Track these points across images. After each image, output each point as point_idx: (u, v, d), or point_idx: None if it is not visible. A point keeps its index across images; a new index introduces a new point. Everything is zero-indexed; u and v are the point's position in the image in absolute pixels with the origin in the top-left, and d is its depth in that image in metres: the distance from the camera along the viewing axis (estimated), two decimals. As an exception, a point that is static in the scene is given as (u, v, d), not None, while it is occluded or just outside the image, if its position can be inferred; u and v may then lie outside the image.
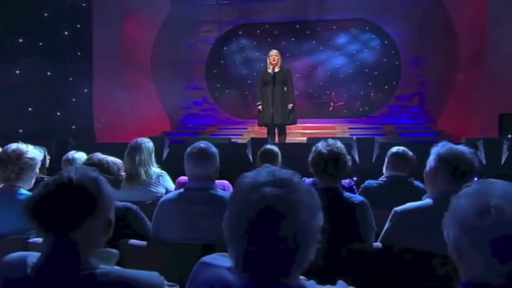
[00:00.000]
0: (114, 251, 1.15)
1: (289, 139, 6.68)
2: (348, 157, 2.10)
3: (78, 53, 6.89)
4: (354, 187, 3.07)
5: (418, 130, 8.03)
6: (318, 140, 5.29)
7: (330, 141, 2.11)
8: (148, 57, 8.59)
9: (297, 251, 0.87)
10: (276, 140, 5.73)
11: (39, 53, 6.48)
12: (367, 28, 9.09)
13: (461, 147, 1.89)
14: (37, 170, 2.36)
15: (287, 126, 6.00)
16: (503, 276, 0.87)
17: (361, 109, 9.21)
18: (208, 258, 1.01)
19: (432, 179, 1.91)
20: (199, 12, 9.22)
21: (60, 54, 6.71)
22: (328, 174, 2.02)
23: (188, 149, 2.03)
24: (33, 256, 1.05)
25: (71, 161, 3.14)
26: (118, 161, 2.13)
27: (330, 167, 2.01)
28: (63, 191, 1.03)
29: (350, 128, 8.26)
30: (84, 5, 6.94)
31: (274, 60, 5.63)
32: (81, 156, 3.16)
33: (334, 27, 9.32)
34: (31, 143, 3.49)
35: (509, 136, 4.69)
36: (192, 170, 2.00)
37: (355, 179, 4.01)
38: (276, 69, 5.63)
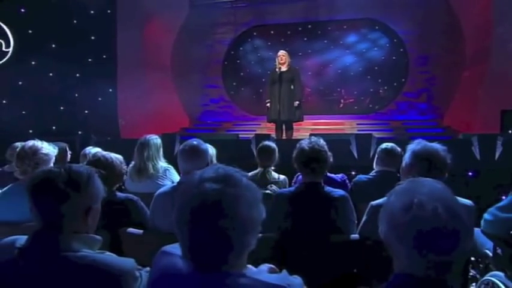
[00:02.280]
0: (98, 237, 1.21)
1: (300, 134, 6.67)
2: (330, 154, 2.11)
3: (104, 56, 7.10)
4: (347, 181, 3.06)
5: (424, 126, 7.85)
6: (321, 136, 5.26)
7: (313, 138, 2.13)
8: (168, 58, 8.73)
9: (235, 240, 0.89)
10: (284, 135, 5.75)
11: (69, 56, 6.73)
12: (376, 27, 8.92)
13: (436, 145, 1.88)
14: (51, 164, 2.47)
15: (298, 122, 5.98)
16: (424, 268, 0.89)
17: (370, 106, 9.08)
18: (168, 247, 1.06)
19: (407, 174, 1.91)
20: (215, 15, 9.29)
21: (88, 57, 6.96)
22: (310, 170, 2.04)
23: (180, 146, 2.10)
24: (21, 239, 1.13)
25: (87, 156, 3.27)
26: (120, 157, 2.21)
27: (311, 163, 2.03)
28: (61, 171, 1.15)
29: (358, 124, 8.16)
30: (109, 11, 7.14)
31: (281, 60, 5.63)
32: (96, 151, 3.28)
33: (344, 26, 9.20)
34: (59, 139, 3.67)
35: (510, 132, 4.53)
36: (183, 165, 2.07)
37: (353, 173, 3.99)
38: (283, 69, 5.63)
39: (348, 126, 8.11)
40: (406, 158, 1.92)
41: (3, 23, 6.78)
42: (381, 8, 8.44)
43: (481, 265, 2.13)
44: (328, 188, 2.07)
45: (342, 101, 9.34)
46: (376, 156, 2.82)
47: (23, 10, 6.82)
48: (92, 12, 6.98)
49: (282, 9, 9.21)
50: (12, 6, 6.71)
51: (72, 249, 1.09)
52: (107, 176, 2.06)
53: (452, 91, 7.69)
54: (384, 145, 2.81)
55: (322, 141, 2.11)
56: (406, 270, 0.93)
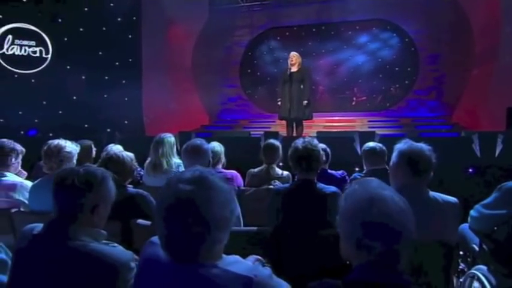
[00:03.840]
0: (103, 231, 1.29)
1: (313, 131, 6.65)
2: (322, 153, 2.11)
3: (130, 59, 7.31)
4: (347, 177, 3.05)
5: (434, 122, 7.64)
6: (327, 134, 5.22)
7: (307, 138, 2.14)
8: (190, 60, 8.86)
9: (206, 236, 0.92)
10: (294, 133, 5.75)
11: (99, 61, 6.99)
12: (388, 27, 8.73)
13: (421, 145, 1.86)
14: (74, 161, 2.59)
15: (307, 120, 5.96)
16: (373, 259, 0.92)
17: (382, 103, 8.91)
18: (155, 238, 1.11)
19: (394, 173, 1.90)
20: (233, 18, 9.34)
21: (115, 61, 7.18)
22: (303, 168, 2.06)
23: (184, 146, 2.16)
24: (39, 227, 1.24)
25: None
26: (131, 154, 2.30)
27: (304, 162, 2.04)
28: (80, 171, 1.26)
29: (369, 121, 8.04)
30: (134, 18, 7.34)
31: (292, 61, 5.62)
32: (117, 148, 3.39)
33: (356, 27, 9.04)
34: (88, 137, 3.82)
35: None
36: (186, 163, 2.13)
37: (357, 169, 3.97)
38: (294, 69, 5.61)
39: (358, 123, 8.00)
40: (393, 157, 1.91)
41: (43, 32, 7.11)
42: (391, 8, 8.25)
43: (468, 259, 2.11)
44: (320, 185, 2.07)
45: (354, 98, 9.21)
46: (363, 158, 2.80)
47: (60, 20, 7.12)
48: (119, 19, 7.19)
49: (296, 12, 9.16)
50: (51, 17, 7.03)
51: (77, 238, 1.18)
52: (118, 172, 2.18)
53: (461, 88, 7.44)
54: (365, 146, 2.79)
55: (315, 141, 2.12)
56: (360, 264, 0.95)
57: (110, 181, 1.32)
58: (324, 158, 2.16)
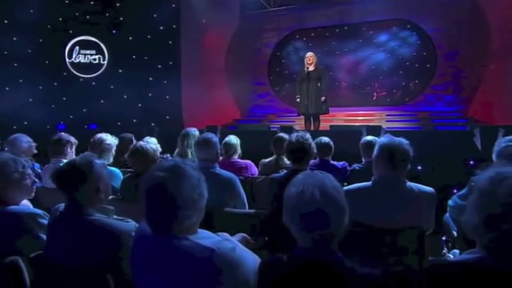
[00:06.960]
0: (111, 207, 1.43)
1: (331, 124, 6.57)
2: (313, 145, 2.16)
3: (170, 62, 7.62)
4: (348, 168, 3.05)
5: (449, 116, 7.20)
6: (338, 128, 5.16)
7: (300, 132, 2.19)
8: (223, 61, 9.00)
9: (177, 214, 1.03)
10: (312, 127, 5.73)
11: (144, 64, 7.38)
12: (407, 26, 8.28)
13: (400, 139, 1.85)
14: (113, 151, 2.84)
15: (324, 114, 5.90)
16: (311, 241, 0.99)
17: (401, 98, 8.54)
18: None
19: (375, 165, 1.91)
20: (262, 22, 9.34)
21: (158, 64, 7.53)
22: (295, 159, 2.12)
23: (196, 139, 2.30)
24: (62, 206, 1.41)
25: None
26: (154, 146, 2.48)
27: (295, 153, 2.11)
28: (69, 168, 1.38)
29: (388, 115, 7.76)
30: (174, 26, 7.62)
31: (309, 61, 5.57)
32: (152, 140, 3.62)
33: (377, 27, 8.68)
34: (132, 130, 4.10)
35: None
36: (198, 153, 2.27)
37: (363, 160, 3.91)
38: (311, 69, 5.57)
39: (378, 117, 7.75)
40: (375, 150, 1.91)
41: (101, 42, 7.64)
42: (410, 8, 7.84)
43: (449, 244, 2.08)
44: (311, 174, 2.12)
45: (375, 94, 8.90)
46: (361, 150, 2.78)
47: (114, 31, 7.60)
48: (161, 28, 7.51)
49: (320, 14, 8.98)
50: (107, 30, 7.55)
51: (90, 214, 1.34)
52: (143, 161, 2.37)
53: (477, 84, 6.92)
54: (362, 140, 2.78)
55: (307, 135, 2.17)
56: (301, 244, 1.03)
57: (97, 164, 1.37)
58: (315, 151, 2.19)
